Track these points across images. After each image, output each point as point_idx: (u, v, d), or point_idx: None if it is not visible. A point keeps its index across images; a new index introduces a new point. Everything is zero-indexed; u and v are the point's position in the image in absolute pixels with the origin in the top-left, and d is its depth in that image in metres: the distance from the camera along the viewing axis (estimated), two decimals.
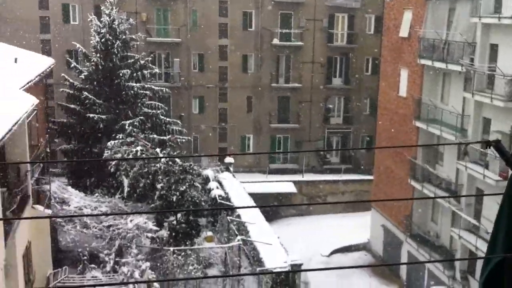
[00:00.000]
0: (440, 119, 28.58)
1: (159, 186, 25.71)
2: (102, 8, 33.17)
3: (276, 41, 42.50)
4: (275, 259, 23.40)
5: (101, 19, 32.05)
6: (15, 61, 26.17)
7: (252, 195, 32.11)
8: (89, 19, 33.48)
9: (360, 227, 36.87)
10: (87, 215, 21.97)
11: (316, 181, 42.18)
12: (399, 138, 32.82)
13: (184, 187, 26.07)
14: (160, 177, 26.18)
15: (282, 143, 44.22)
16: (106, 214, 20.88)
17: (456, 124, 27.06)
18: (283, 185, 39.98)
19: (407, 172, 31.48)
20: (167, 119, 34.05)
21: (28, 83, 23.52)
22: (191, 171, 27.44)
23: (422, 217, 31.20)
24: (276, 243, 24.57)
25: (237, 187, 32.09)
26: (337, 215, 40.75)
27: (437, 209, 30.45)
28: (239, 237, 24.93)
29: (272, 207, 38.63)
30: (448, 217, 28.70)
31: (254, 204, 28.51)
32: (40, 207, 21.14)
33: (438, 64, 28.46)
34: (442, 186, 28.49)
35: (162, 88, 34.59)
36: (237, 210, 27.70)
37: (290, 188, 39.95)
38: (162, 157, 25.34)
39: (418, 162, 30.56)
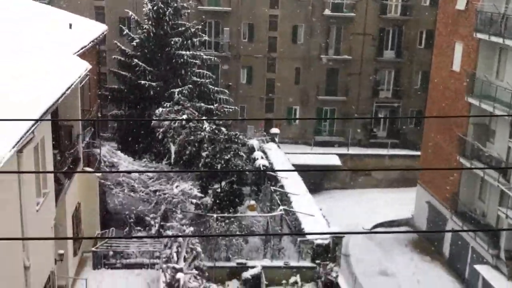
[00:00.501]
0: (493, 95, 27.81)
1: (204, 154, 26.18)
2: None
3: (327, 11, 41.93)
4: (316, 230, 23.63)
5: None
6: (70, 27, 26.92)
7: (296, 166, 32.32)
8: None
9: (405, 202, 36.60)
10: (126, 172, 22.67)
11: (361, 155, 41.92)
12: (449, 113, 32.12)
13: (229, 155, 26.45)
14: (205, 145, 26.64)
15: (328, 115, 43.98)
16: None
17: (511, 101, 26.28)
18: (328, 157, 39.94)
19: (456, 149, 30.92)
20: (215, 88, 34.38)
21: (81, 48, 24.20)
22: (236, 140, 27.78)
23: (469, 195, 30.70)
24: (318, 215, 24.79)
25: (282, 158, 32.35)
26: (382, 190, 40.55)
27: (485, 187, 29.87)
28: (281, 207, 25.25)
29: (316, 180, 38.68)
30: (496, 196, 28.15)
31: (298, 176, 28.70)
32: (90, 170, 21.99)
33: (494, 39, 27.58)
34: (492, 164, 27.88)
35: (211, 57, 34.85)
36: (281, 181, 27.99)
37: (335, 161, 39.87)
38: (208, 119, 25.76)
39: (468, 139, 29.94)
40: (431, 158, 34.84)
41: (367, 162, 41.69)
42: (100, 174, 22.14)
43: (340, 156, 40.61)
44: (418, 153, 38.01)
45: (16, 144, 12.11)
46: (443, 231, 32.14)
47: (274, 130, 36.12)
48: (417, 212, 35.78)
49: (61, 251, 17.70)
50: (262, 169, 28.46)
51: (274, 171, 27.18)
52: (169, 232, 18.86)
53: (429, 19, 41.97)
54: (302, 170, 35.49)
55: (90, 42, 26.37)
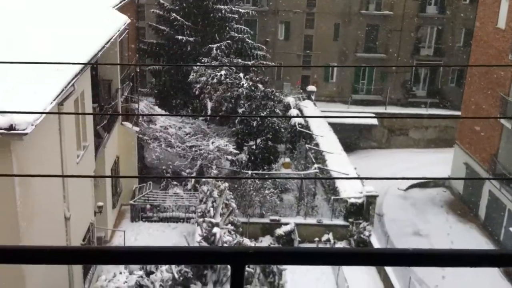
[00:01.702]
0: None
1: (240, 110, 26.27)
2: None
3: None
4: (350, 189, 23.69)
5: None
6: None
7: (332, 125, 32.13)
8: None
9: (442, 163, 36.09)
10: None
11: (399, 114, 41.28)
12: (492, 74, 31.18)
13: (265, 113, 26.48)
14: (242, 102, 26.70)
15: (366, 73, 43.23)
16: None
17: None
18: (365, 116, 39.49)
19: (497, 109, 30.13)
20: (253, 43, 34.09)
21: (120, 2, 24.24)
22: (272, 97, 27.73)
23: (509, 157, 30.07)
24: (352, 174, 24.78)
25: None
26: (418, 150, 40.05)
27: None
28: (315, 165, 25.31)
29: (352, 139, 38.33)
30: None
31: (334, 134, 28.56)
32: (128, 124, 22.38)
33: None
34: None
35: (249, 11, 34.44)
36: (316, 139, 27.95)
37: (372, 120, 39.41)
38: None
39: (510, 98, 29.10)
40: (471, 118, 34.05)
41: (405, 121, 41.08)
42: (138, 129, 22.50)
43: (378, 115, 40.08)
44: (458, 112, 37.19)
45: (57, 97, 12.38)
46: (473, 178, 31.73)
47: (311, 87, 35.85)
48: (454, 173, 35.30)
49: (100, 203, 18.25)
50: (297, 126, 28.43)
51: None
52: (204, 188, 19.19)
53: None
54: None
55: None
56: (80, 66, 14.64)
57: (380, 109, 41.20)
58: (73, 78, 13.71)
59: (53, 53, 14.17)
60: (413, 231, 28.88)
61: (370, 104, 42.14)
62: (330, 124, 31.69)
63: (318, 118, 31.92)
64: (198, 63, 28.46)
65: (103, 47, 17.16)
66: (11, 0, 16.24)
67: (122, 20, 20.97)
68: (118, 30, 19.84)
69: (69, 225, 14.34)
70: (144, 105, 25.89)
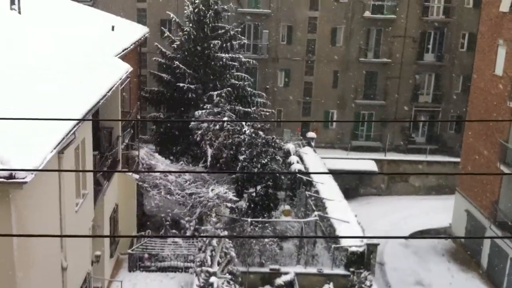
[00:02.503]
0: None
1: (241, 157, 26.30)
2: None
3: (367, 13, 41.50)
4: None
5: None
6: (112, 29, 27.43)
7: (333, 171, 32.11)
8: None
9: (442, 210, 35.91)
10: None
11: (399, 160, 41.34)
12: (491, 120, 31.35)
13: (266, 160, 26.53)
14: (243, 148, 26.75)
15: (366, 119, 43.51)
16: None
17: None
18: (364, 163, 39.55)
19: (497, 156, 30.17)
20: (253, 91, 34.45)
21: (123, 51, 24.64)
22: (273, 144, 27.83)
23: (510, 204, 29.91)
24: (353, 221, 24.60)
25: (318, 163, 32.22)
26: (419, 197, 39.92)
27: None
28: (316, 213, 25.16)
29: (352, 186, 38.31)
30: None
31: (334, 181, 28.52)
32: (128, 172, 22.33)
33: None
34: None
35: (249, 60, 34.94)
36: (316, 186, 27.87)
37: (372, 166, 39.43)
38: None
39: (509, 145, 29.18)
40: (471, 165, 34.08)
41: (405, 168, 41.10)
42: (138, 176, 22.48)
43: (377, 161, 40.16)
44: (458, 159, 37.25)
45: (57, 145, 12.41)
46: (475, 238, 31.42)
47: (311, 134, 36.01)
48: (455, 220, 35.06)
49: (98, 253, 18.05)
50: (297, 173, 28.41)
51: (308, 173, 27.07)
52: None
53: (472, 22, 41.10)
54: (336, 172, 35.22)
55: (131, 44, 26.84)
56: (82, 114, 14.74)
57: (380, 156, 41.28)
58: (74, 126, 13.78)
59: (56, 101, 14.28)
60: (415, 281, 28.47)
61: (370, 150, 42.25)
62: (331, 170, 31.69)
63: (319, 165, 31.94)
64: (200, 111, 28.67)
65: (105, 95, 17.34)
66: (15, 48, 16.49)
67: (125, 68, 21.25)
68: (120, 79, 20.07)
69: (66, 275, 14.14)
70: (145, 152, 25.96)
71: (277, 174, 26.55)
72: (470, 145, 34.31)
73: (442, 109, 43.46)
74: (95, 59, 20.44)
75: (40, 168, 10.87)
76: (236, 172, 25.80)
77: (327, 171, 31.31)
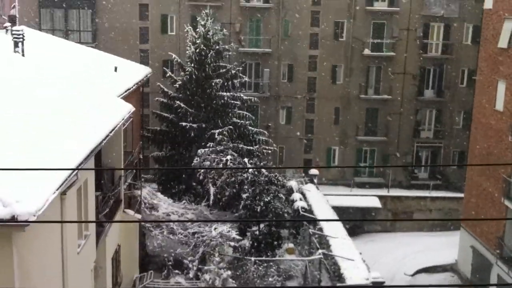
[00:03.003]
0: None
1: (244, 196, 26.25)
2: (198, 19, 34.37)
3: (367, 51, 42.02)
4: (356, 275, 23.17)
5: (197, 30, 33.22)
6: (115, 70, 27.79)
7: (336, 208, 31.99)
8: (185, 30, 34.85)
9: (448, 247, 35.55)
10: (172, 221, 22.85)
11: (402, 196, 41.16)
12: (493, 155, 31.38)
13: (269, 197, 26.47)
14: (246, 187, 26.72)
15: (368, 156, 43.56)
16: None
17: None
18: (367, 199, 39.39)
19: (500, 191, 30.04)
20: (255, 129, 34.62)
21: (125, 91, 24.89)
22: (276, 182, 27.82)
23: None
24: (358, 259, 24.34)
25: (321, 200, 32.10)
26: (423, 234, 39.58)
27: None
28: (320, 251, 24.92)
29: (356, 223, 38.06)
30: None
31: (337, 218, 28.33)
32: (130, 212, 22.28)
33: None
34: None
35: (251, 98, 35.24)
36: (320, 223, 27.70)
37: (375, 203, 39.27)
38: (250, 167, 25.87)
39: None
40: (474, 200, 33.92)
41: (408, 204, 40.90)
42: (140, 216, 22.39)
43: (380, 198, 40.00)
44: (461, 195, 37.08)
45: (60, 187, 12.41)
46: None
47: (313, 171, 35.97)
48: (461, 256, 34.68)
49: None
50: (301, 211, 28.28)
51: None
52: (207, 276, 18.80)
53: (471, 58, 41.58)
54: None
55: (134, 85, 27.13)
56: (85, 155, 14.79)
57: (383, 192, 41.14)
58: (77, 167, 13.80)
59: (59, 142, 14.34)
60: None
61: (373, 186, 42.13)
62: (334, 208, 31.56)
63: (321, 201, 31.82)
64: (202, 149, 28.74)
65: (108, 135, 17.43)
66: (18, 90, 16.67)
67: (127, 108, 21.41)
68: (123, 119, 20.21)
69: None
70: (147, 191, 25.92)
71: (280, 212, 26.42)
72: (473, 180, 34.23)
73: (444, 145, 43.51)
74: (98, 99, 20.63)
75: (41, 211, 10.84)
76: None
77: (330, 208, 31.15)
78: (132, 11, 40.15)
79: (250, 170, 26.74)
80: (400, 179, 43.39)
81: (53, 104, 17.16)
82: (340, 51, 42.06)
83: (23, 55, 20.37)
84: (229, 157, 27.23)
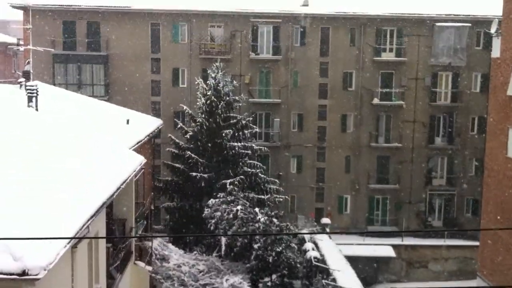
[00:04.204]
0: None
1: (256, 246, 26.05)
2: (208, 72, 35.09)
3: (376, 100, 42.36)
4: None
5: (207, 82, 33.85)
6: (127, 123, 28.21)
7: (349, 258, 31.56)
8: (196, 82, 35.50)
9: None
10: None
11: (417, 245, 40.58)
12: (507, 203, 31.01)
13: (281, 247, 26.25)
14: (257, 237, 26.55)
15: (380, 204, 43.23)
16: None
17: None
18: (381, 248, 38.86)
19: None
20: (266, 178, 34.66)
21: (137, 143, 25.20)
22: (288, 231, 27.62)
23: None
24: None
25: (333, 249, 31.74)
26: (439, 283, 38.75)
27: None
28: None
29: (370, 273, 37.41)
30: None
31: (351, 268, 27.95)
32: (141, 264, 22.14)
33: None
34: None
35: (261, 147, 35.44)
36: (333, 273, 27.31)
37: (389, 252, 38.71)
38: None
39: None
40: (490, 248, 33.32)
41: (423, 253, 40.25)
42: (151, 268, 22.25)
43: (394, 246, 39.44)
44: (477, 243, 36.48)
45: (71, 240, 12.43)
46: None
47: (325, 220, 35.75)
48: None
49: None
50: (313, 261, 27.94)
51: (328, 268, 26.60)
52: None
53: (480, 105, 41.76)
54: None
55: (145, 137, 27.49)
56: (96, 207, 14.88)
57: (396, 241, 40.60)
58: (88, 220, 13.86)
59: (71, 194, 14.47)
60: None
61: (386, 235, 41.61)
62: (347, 257, 31.15)
63: (334, 250, 31.45)
64: (213, 199, 28.77)
65: (119, 187, 17.57)
66: (32, 144, 16.96)
67: (139, 160, 21.62)
68: (134, 171, 20.38)
69: None
70: (158, 243, 25.83)
71: (292, 262, 26.12)
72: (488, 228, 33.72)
73: (457, 192, 43.14)
74: (110, 152, 20.88)
75: (52, 264, 10.85)
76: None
77: (343, 257, 30.76)
78: (144, 65, 41.07)
79: (262, 219, 26.65)
80: (414, 227, 42.86)
81: (65, 157, 17.40)
82: (350, 101, 42.46)
83: (36, 109, 20.82)
84: (239, 207, 27.20)
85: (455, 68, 42.30)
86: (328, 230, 34.76)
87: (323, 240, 32.69)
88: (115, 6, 40.23)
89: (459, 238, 41.55)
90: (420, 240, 41.32)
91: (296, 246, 28.18)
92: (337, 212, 42.53)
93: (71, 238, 12.51)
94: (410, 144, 42.82)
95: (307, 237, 30.78)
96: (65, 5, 39.85)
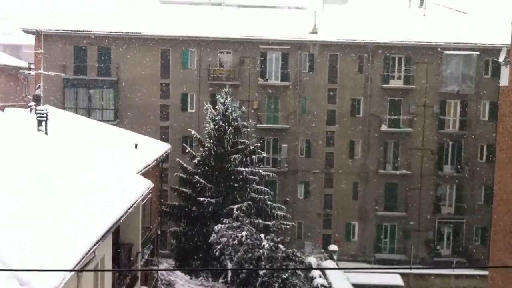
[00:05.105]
0: None
1: (262, 272, 25.84)
2: (217, 97, 35.32)
3: (384, 127, 42.37)
4: None
5: (216, 107, 34.05)
6: (135, 147, 28.35)
7: (356, 286, 31.21)
8: (204, 107, 35.72)
9: None
10: None
11: (425, 274, 40.11)
12: None
13: (287, 274, 26.01)
14: (263, 263, 26.37)
15: (388, 231, 42.89)
16: None
17: None
18: (389, 276, 38.36)
19: None
20: (273, 204, 34.56)
21: (145, 167, 25.27)
22: (294, 258, 27.40)
23: None
24: None
25: (341, 277, 31.42)
26: None
27: None
28: None
29: None
30: None
31: None
32: None
33: None
34: None
35: (269, 173, 35.42)
36: None
37: (397, 280, 38.16)
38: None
39: None
40: (499, 278, 32.86)
41: (432, 282, 39.74)
42: None
43: (402, 275, 38.94)
44: (486, 272, 36.01)
45: (77, 264, 12.42)
46: None
47: (333, 247, 35.49)
48: None
49: None
50: None
51: None
52: None
53: (488, 133, 41.65)
54: None
55: (153, 161, 27.58)
56: (103, 231, 14.87)
57: (405, 269, 40.09)
58: (95, 245, 13.86)
59: (76, 219, 14.49)
60: None
61: (394, 263, 41.20)
62: (355, 285, 30.82)
63: (341, 278, 31.13)
64: (219, 225, 28.68)
65: (126, 212, 17.58)
66: (41, 166, 17.07)
67: (146, 185, 21.66)
68: (142, 195, 20.41)
69: None
70: (164, 267, 25.70)
71: None
72: (498, 257, 33.32)
73: (466, 221, 42.76)
74: (118, 176, 20.95)
75: None
76: None
77: (351, 285, 30.44)
78: (154, 90, 41.42)
79: (267, 245, 26.49)
80: (423, 255, 42.44)
81: (73, 180, 17.48)
82: (357, 127, 42.49)
83: (46, 133, 21.01)
84: (244, 232, 27.08)
85: (463, 95, 42.33)
86: (335, 257, 34.46)
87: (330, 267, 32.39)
88: (125, 32, 40.79)
89: (468, 267, 41.04)
90: (427, 269, 40.83)
91: (302, 273, 27.92)
92: (344, 239, 42.23)
93: (77, 271, 12.49)
94: (418, 171, 42.64)
95: (314, 264, 30.52)
96: (76, 31, 40.46)
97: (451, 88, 42.11)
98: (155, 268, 24.11)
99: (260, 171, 34.67)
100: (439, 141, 42.87)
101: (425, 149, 42.66)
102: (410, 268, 40.62)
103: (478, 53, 41.78)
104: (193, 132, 36.10)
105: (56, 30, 40.10)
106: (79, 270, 13.15)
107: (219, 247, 27.31)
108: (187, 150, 35.39)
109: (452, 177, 42.98)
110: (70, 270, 11.83)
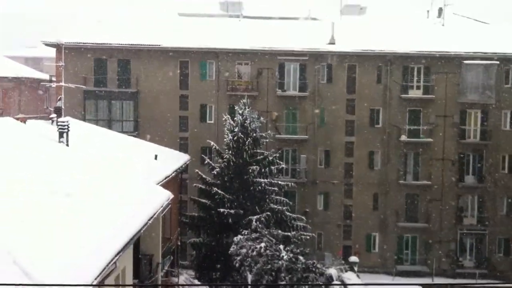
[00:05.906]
0: None
1: (281, 283, 25.69)
2: (236, 108, 35.39)
3: (404, 137, 42.01)
4: None
5: (235, 118, 34.11)
6: (155, 158, 28.54)
7: None
8: (223, 118, 35.81)
9: None
10: None
11: (448, 285, 39.47)
12: None
13: (307, 286, 25.83)
14: (283, 274, 26.24)
15: (410, 243, 42.38)
16: None
17: None
18: None
19: None
20: (292, 215, 34.41)
21: (164, 178, 25.41)
22: (314, 269, 27.23)
23: None
24: None
25: None
26: None
27: None
28: None
29: None
30: None
31: None
32: None
33: None
34: None
35: (288, 184, 35.31)
36: None
37: None
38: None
39: None
40: None
41: None
42: None
43: (424, 287, 38.38)
44: (509, 284, 35.39)
45: (98, 275, 12.49)
46: None
47: (353, 258, 35.14)
48: None
49: None
50: None
51: None
52: None
53: (510, 143, 41.03)
54: None
55: (173, 172, 27.72)
56: (124, 242, 14.94)
57: (427, 281, 39.60)
58: (116, 256, 13.93)
59: (98, 230, 14.59)
60: None
61: (416, 275, 40.65)
62: None
63: None
64: (239, 236, 28.63)
65: (146, 223, 17.67)
66: (62, 177, 17.23)
67: (166, 196, 21.77)
68: (161, 206, 20.51)
69: None
70: (184, 278, 25.71)
71: None
72: None
73: (489, 232, 42.08)
74: (138, 187, 21.06)
75: None
76: None
77: None
78: (173, 101, 41.65)
79: (286, 257, 26.35)
80: (445, 267, 41.81)
81: (94, 192, 17.61)
82: (377, 138, 42.20)
83: (67, 144, 21.24)
84: (263, 244, 26.98)
85: (483, 105, 41.85)
86: (356, 268, 34.11)
87: (351, 279, 32.07)
88: (145, 44, 41.18)
89: (491, 278, 40.33)
90: (450, 280, 40.23)
91: (323, 285, 27.71)
92: (365, 250, 41.81)
93: (98, 285, 12.55)
94: (439, 182, 42.14)
95: (334, 276, 30.24)
96: (97, 43, 40.96)
97: (471, 97, 41.66)
98: (176, 282, 24.12)
99: (279, 182, 34.59)
100: (459, 152, 42.36)
101: (446, 160, 42.18)
102: (432, 280, 40.08)
103: (498, 62, 41.34)
104: (212, 143, 36.17)
105: (77, 43, 40.65)
106: (100, 285, 13.21)
107: (239, 258, 27.25)
108: (206, 161, 35.46)
109: (474, 188, 42.39)
110: (93, 285, 11.89)
